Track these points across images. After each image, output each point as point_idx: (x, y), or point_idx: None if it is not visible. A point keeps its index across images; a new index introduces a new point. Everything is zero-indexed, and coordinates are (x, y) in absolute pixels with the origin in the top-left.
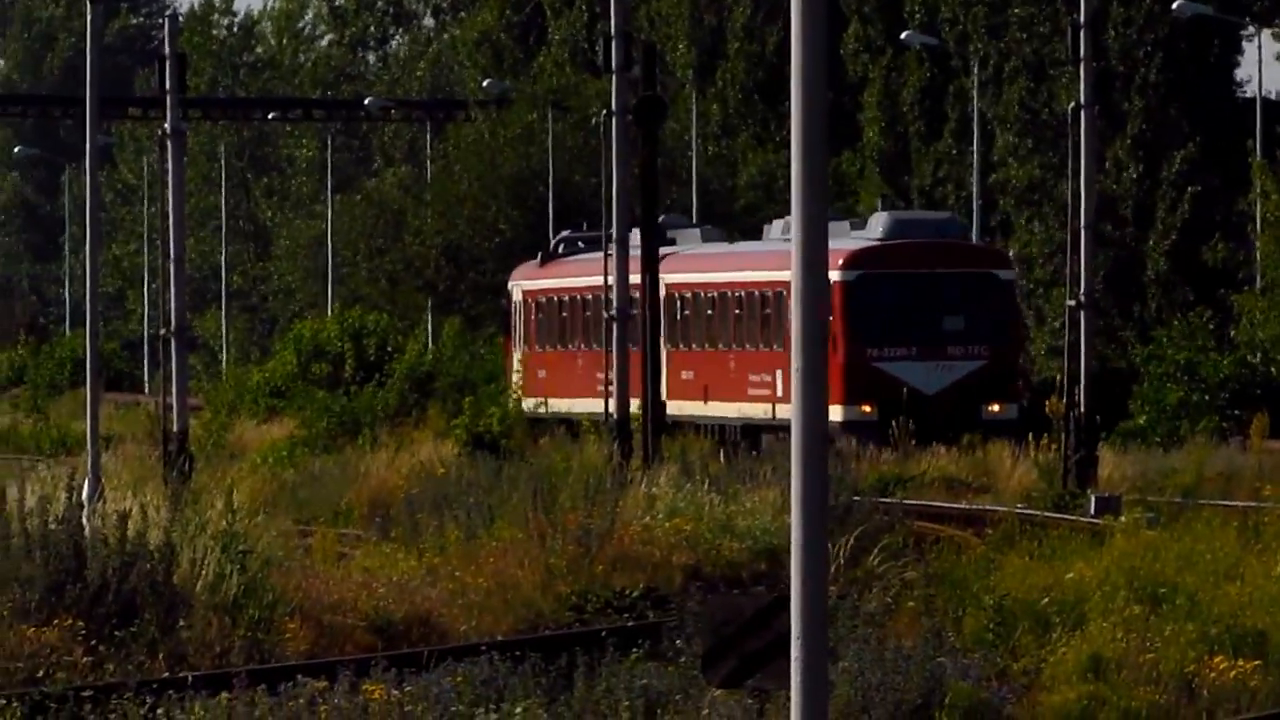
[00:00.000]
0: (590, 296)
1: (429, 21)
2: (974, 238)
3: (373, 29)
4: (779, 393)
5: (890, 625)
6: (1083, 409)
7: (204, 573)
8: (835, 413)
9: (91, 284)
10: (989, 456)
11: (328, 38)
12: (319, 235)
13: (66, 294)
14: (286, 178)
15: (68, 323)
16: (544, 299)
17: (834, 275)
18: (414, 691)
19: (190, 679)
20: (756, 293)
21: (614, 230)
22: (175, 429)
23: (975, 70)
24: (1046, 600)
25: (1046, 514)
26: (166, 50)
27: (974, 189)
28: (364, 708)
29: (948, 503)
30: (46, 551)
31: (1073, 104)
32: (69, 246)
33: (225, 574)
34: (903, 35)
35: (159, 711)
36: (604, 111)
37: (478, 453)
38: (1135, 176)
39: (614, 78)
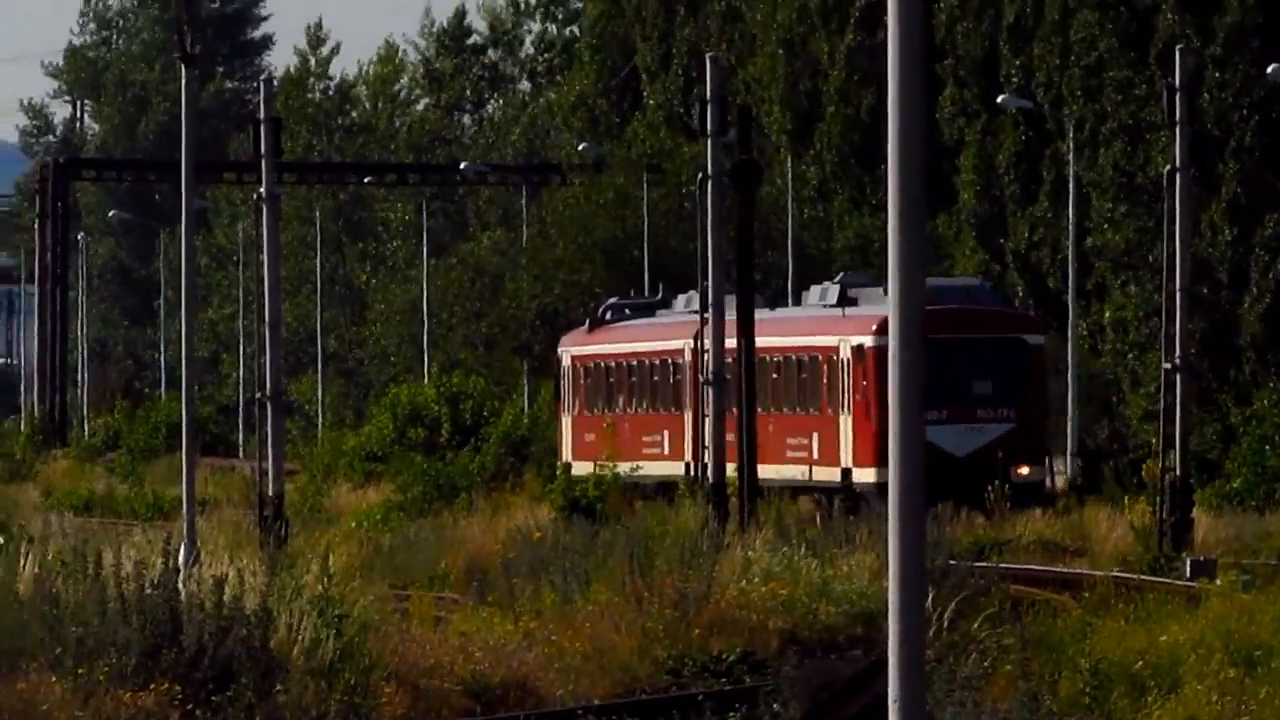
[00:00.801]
0: (636, 362)
1: (525, 85)
2: (1070, 302)
3: (468, 93)
4: (815, 455)
5: (987, 689)
6: (1178, 472)
7: (300, 637)
8: (869, 475)
9: (187, 348)
10: (1085, 519)
11: (423, 101)
12: (414, 299)
13: (162, 358)
14: (382, 242)
15: (163, 387)
16: (592, 364)
17: (867, 340)
18: None
19: None
20: (794, 358)
21: (710, 294)
22: (271, 493)
23: (1070, 133)
24: (1141, 663)
25: (1142, 577)
26: (262, 114)
27: (1069, 252)
28: None
29: (1044, 566)
30: (143, 616)
31: (1168, 167)
32: (164, 310)
33: (321, 638)
34: (999, 99)
35: None
36: (699, 175)
37: (573, 516)
38: (1230, 239)
39: (709, 142)
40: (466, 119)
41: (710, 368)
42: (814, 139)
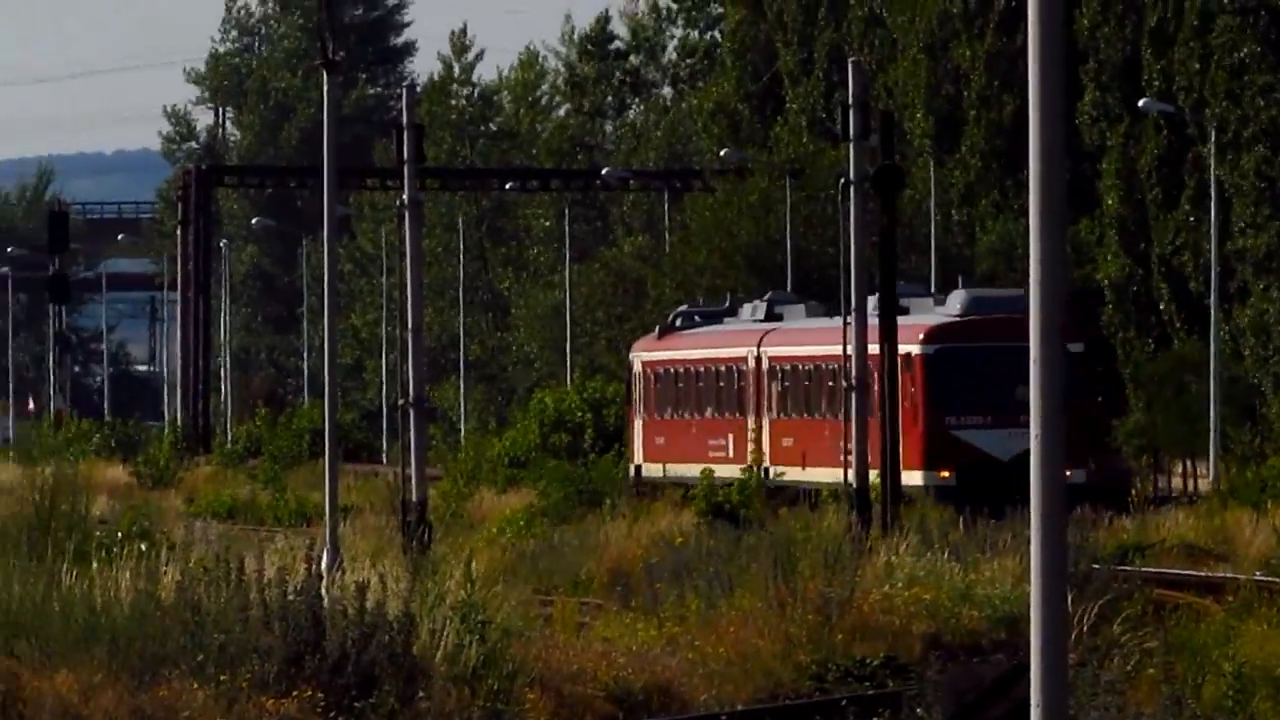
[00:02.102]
0: (703, 368)
1: (666, 91)
2: (1211, 305)
3: (610, 99)
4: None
5: (1130, 693)
6: None
7: (443, 643)
8: (916, 477)
9: (330, 354)
10: (1228, 523)
11: (565, 107)
12: (557, 305)
13: (304, 365)
14: (524, 247)
15: (305, 393)
16: (662, 370)
17: (915, 349)
18: None
19: None
20: (850, 365)
21: (852, 299)
22: (414, 499)
23: (1212, 137)
24: None
25: None
26: (405, 120)
27: (1211, 256)
28: None
29: (1187, 570)
30: (286, 623)
31: None
32: (306, 317)
33: (464, 644)
34: (1140, 102)
35: None
36: (841, 180)
37: (716, 522)
38: None
39: (851, 146)
40: (608, 125)
41: (854, 373)
42: (957, 143)
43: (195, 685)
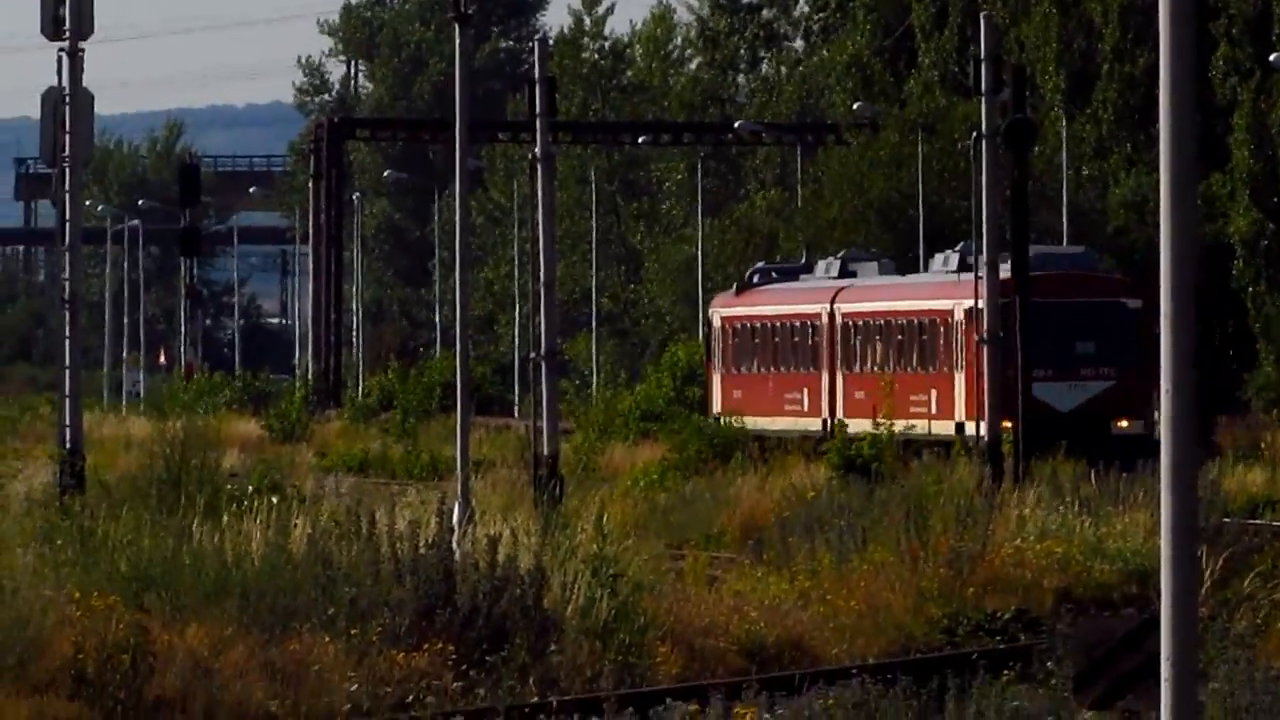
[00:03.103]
0: (779, 324)
1: (799, 44)
2: None
3: (742, 52)
4: (934, 410)
5: (1260, 646)
6: None
7: (574, 597)
8: (979, 428)
9: (462, 308)
10: None
11: (697, 60)
12: (689, 259)
13: (437, 318)
14: (656, 201)
15: (437, 346)
16: (740, 325)
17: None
18: (785, 715)
19: (559, 704)
20: (916, 320)
21: (984, 253)
22: (546, 453)
23: None
24: None
25: None
26: (536, 74)
27: None
28: None
29: None
30: (417, 576)
31: None
32: (439, 271)
33: (596, 598)
34: (1271, 57)
35: None
36: (974, 135)
37: (849, 476)
38: None
39: (984, 101)
40: (740, 78)
41: (986, 327)
42: (1088, 98)
43: (326, 639)
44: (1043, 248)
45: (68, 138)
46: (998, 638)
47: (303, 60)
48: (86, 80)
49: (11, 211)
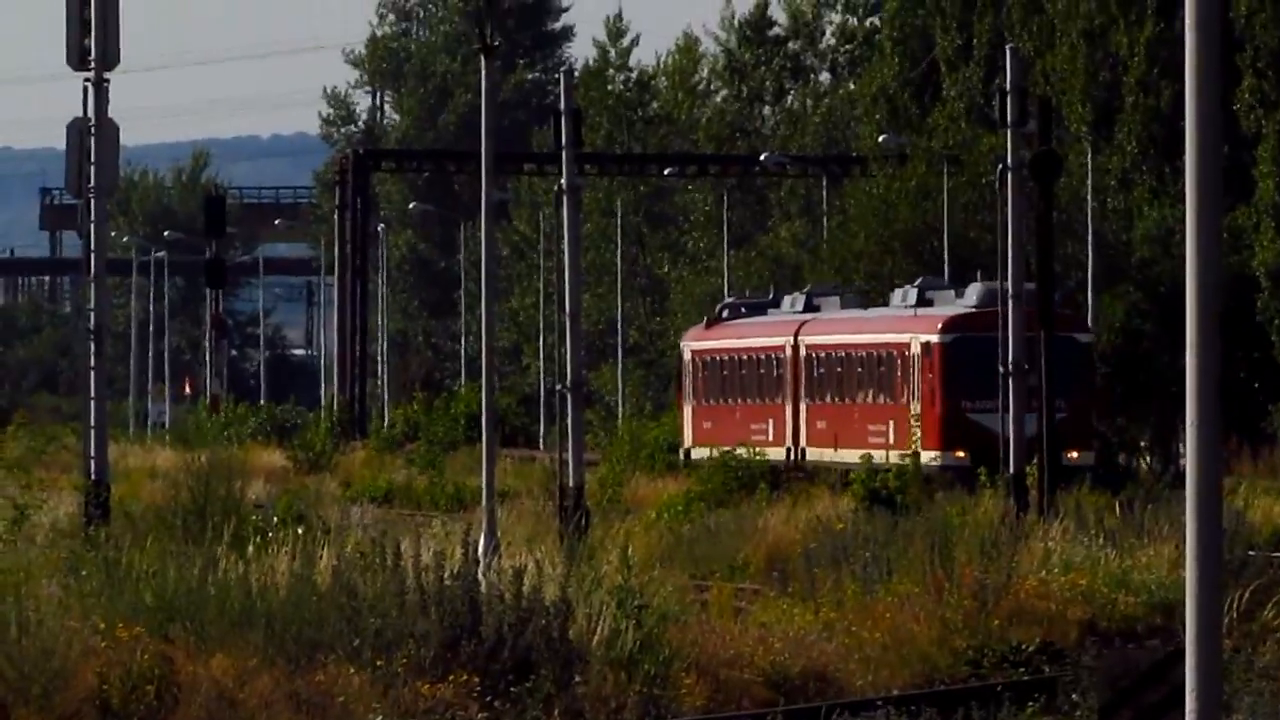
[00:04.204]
0: (746, 356)
1: (825, 76)
2: None
3: (768, 84)
4: (891, 440)
5: None
6: None
7: (599, 628)
8: (933, 457)
9: (487, 339)
10: None
11: (723, 92)
12: (715, 290)
13: (462, 349)
14: (682, 232)
15: (463, 377)
16: (709, 358)
17: (933, 338)
18: None
19: None
20: (875, 353)
21: (1010, 285)
22: (571, 483)
23: None
24: None
25: None
26: (562, 105)
27: None
28: None
29: None
30: (442, 607)
31: None
32: (464, 302)
33: (621, 629)
34: None
35: None
36: (999, 166)
37: (874, 507)
38: None
39: (1009, 133)
40: (766, 110)
41: (1010, 357)
42: (1114, 130)
43: (351, 670)
44: (995, 283)
45: (93, 168)
46: (1022, 669)
47: (328, 91)
48: (112, 110)
49: (37, 241)
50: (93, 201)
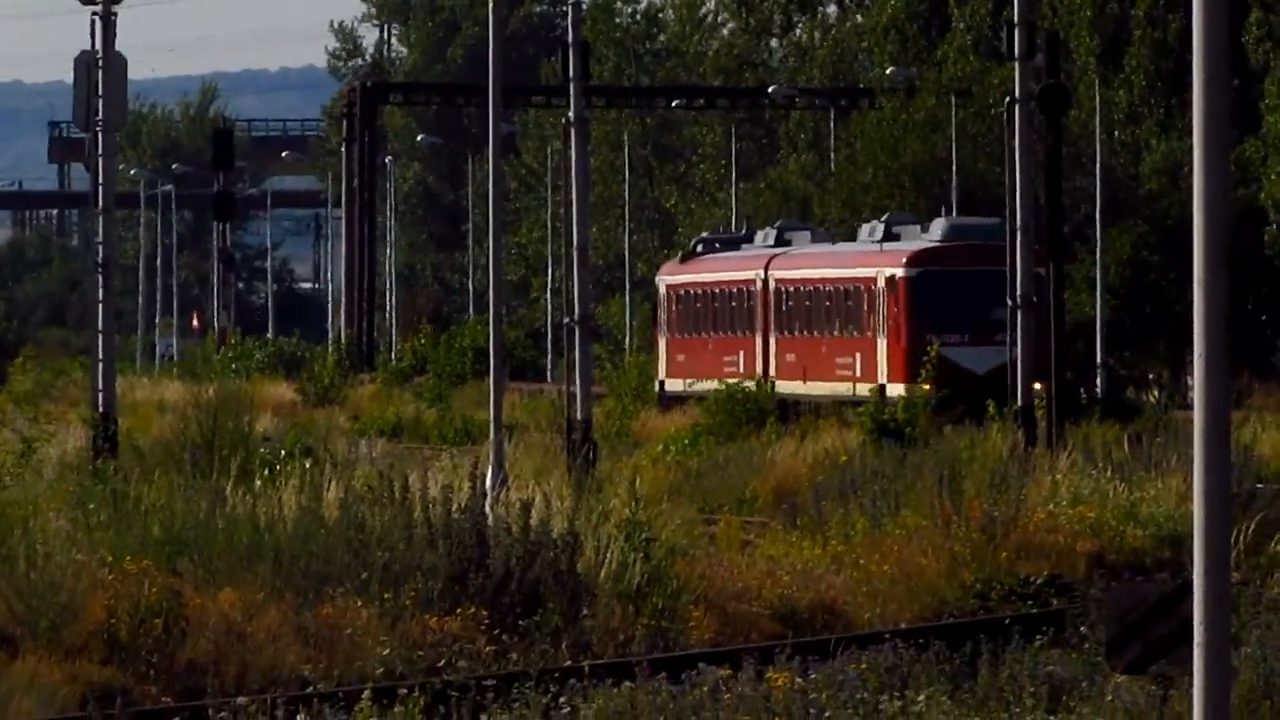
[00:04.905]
0: (718, 290)
1: (832, 9)
2: None
3: (776, 16)
4: (858, 373)
5: None
6: None
7: (608, 561)
8: (899, 390)
9: (495, 272)
10: None
11: (730, 25)
12: (724, 223)
13: (470, 282)
14: (690, 165)
15: (470, 311)
16: (684, 292)
17: (899, 272)
18: (818, 679)
19: (591, 668)
20: (843, 288)
21: (1018, 218)
22: (579, 418)
23: None
24: None
25: None
26: (570, 38)
27: None
28: (767, 696)
29: None
30: (450, 541)
31: None
32: (472, 235)
33: (629, 562)
34: None
35: (561, 700)
36: (1007, 100)
37: (882, 440)
38: None
39: (1017, 66)
40: (774, 42)
41: (1019, 291)
42: (1122, 63)
43: (359, 603)
44: (961, 219)
45: (101, 102)
46: (1030, 603)
47: (336, 25)
48: (120, 44)
49: (46, 175)
50: (100, 135)
